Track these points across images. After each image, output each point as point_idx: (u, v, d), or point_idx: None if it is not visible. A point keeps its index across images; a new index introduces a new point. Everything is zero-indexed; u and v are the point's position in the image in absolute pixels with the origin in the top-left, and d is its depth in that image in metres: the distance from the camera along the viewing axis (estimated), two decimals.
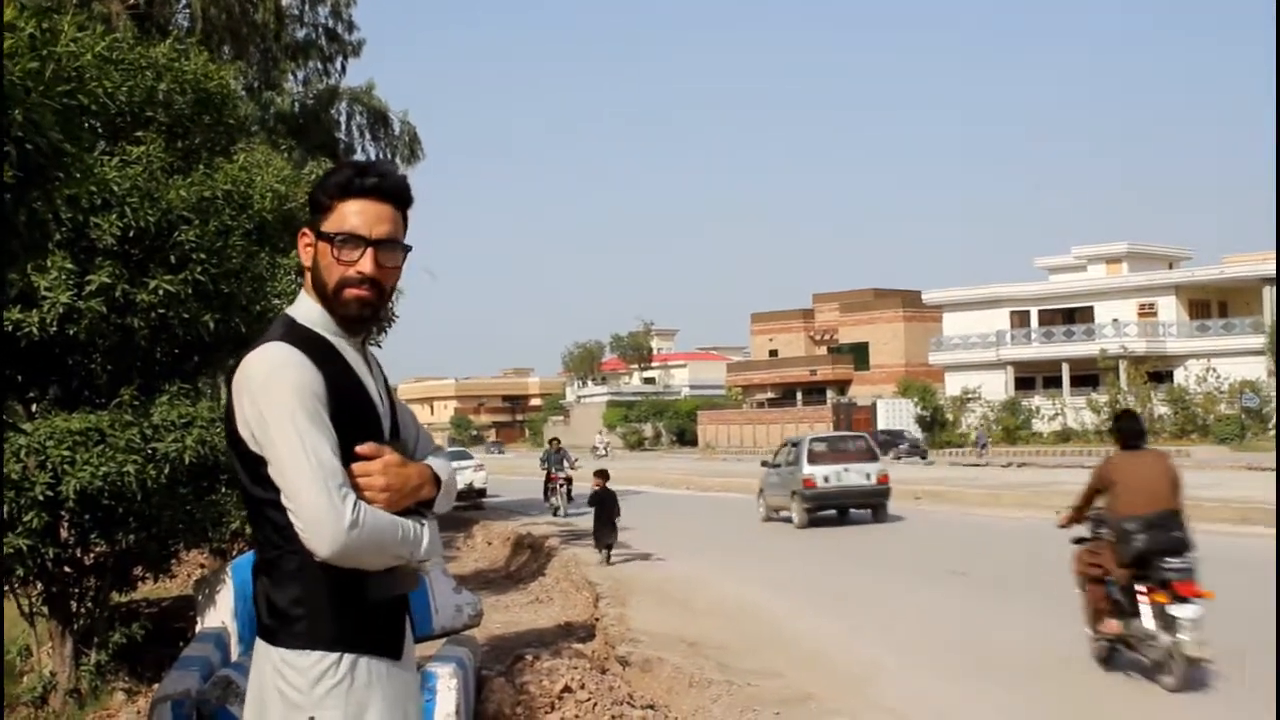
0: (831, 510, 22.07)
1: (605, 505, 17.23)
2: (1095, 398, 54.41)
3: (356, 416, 2.48)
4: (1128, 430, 8.44)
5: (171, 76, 8.56)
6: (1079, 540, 8.72)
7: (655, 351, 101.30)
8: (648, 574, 15.72)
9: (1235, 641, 9.10)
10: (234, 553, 10.52)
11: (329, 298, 2.51)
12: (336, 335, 2.53)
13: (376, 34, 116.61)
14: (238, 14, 20.59)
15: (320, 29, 25.29)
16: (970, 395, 60.07)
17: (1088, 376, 57.40)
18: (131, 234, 7.85)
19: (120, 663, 9.08)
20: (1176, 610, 7.68)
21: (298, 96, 24.68)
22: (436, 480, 2.56)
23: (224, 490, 8.50)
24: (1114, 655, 8.49)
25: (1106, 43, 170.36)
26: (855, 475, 21.50)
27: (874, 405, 64.44)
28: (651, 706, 7.31)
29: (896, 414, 61.97)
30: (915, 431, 56.44)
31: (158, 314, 7.95)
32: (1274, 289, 51.42)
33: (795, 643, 10.42)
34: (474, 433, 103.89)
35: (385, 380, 2.67)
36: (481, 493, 30.57)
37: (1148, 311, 58.32)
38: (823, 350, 79.27)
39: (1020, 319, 62.45)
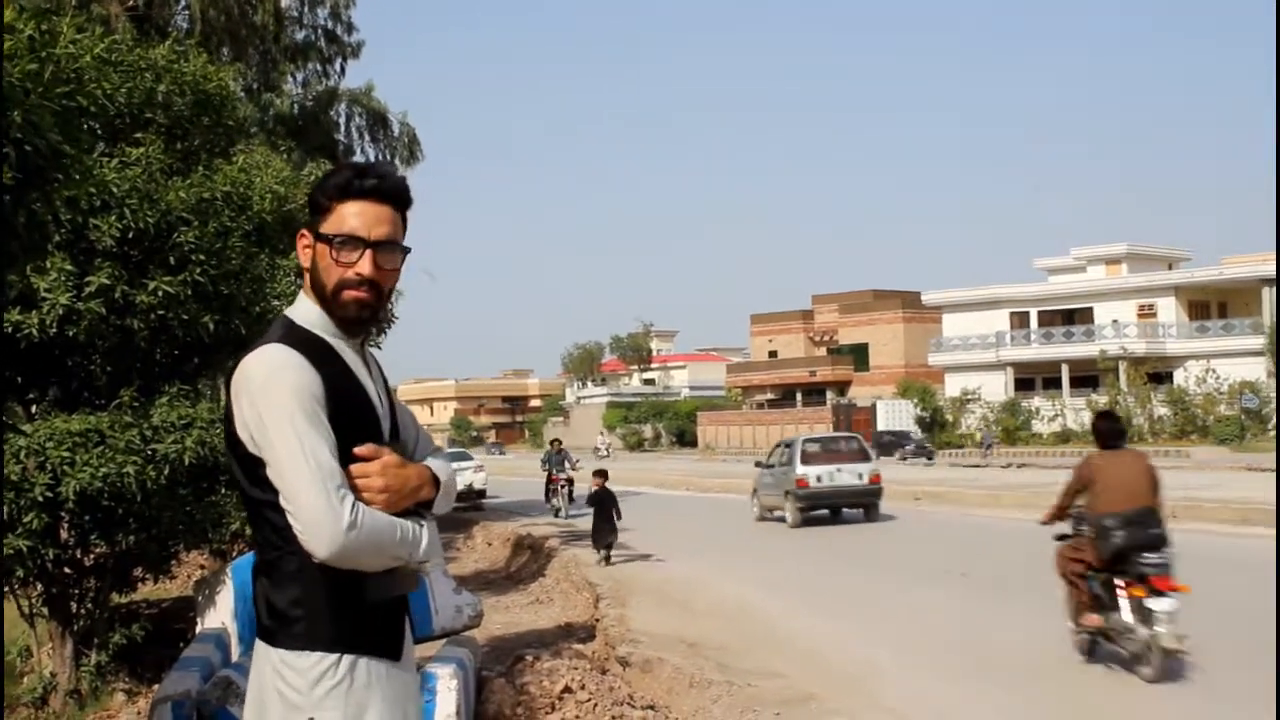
0: (824, 510, 22.34)
1: (604, 505, 17.29)
2: (1095, 399, 54.37)
3: (355, 418, 2.48)
4: (1107, 430, 8.68)
5: (171, 78, 8.57)
6: (1061, 537, 8.96)
7: (655, 353, 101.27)
8: (648, 575, 15.72)
9: (1235, 642, 9.16)
10: (234, 554, 10.53)
11: (328, 299, 2.51)
12: (335, 337, 2.53)
13: (376, 36, 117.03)
14: (237, 16, 20.60)
15: (319, 31, 25.30)
16: (970, 396, 60.07)
17: (1087, 377, 57.41)
18: (131, 235, 7.86)
19: (120, 663, 9.08)
20: (1153, 604, 7.92)
21: (297, 98, 24.68)
22: (436, 481, 2.56)
23: (224, 491, 8.51)
24: (1095, 648, 8.73)
25: (1106, 44, 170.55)
26: (848, 475, 21.82)
27: (874, 406, 64.44)
28: (652, 707, 7.31)
29: (896, 415, 61.97)
30: (915, 433, 56.38)
31: (157, 315, 7.96)
32: (1273, 290, 51.42)
33: (795, 643, 10.42)
34: (474, 434, 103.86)
35: (385, 381, 2.67)
36: (481, 494, 30.57)
37: (1147, 312, 58.32)
38: (822, 351, 79.28)
39: (1020, 320, 62.46)
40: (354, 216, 2.49)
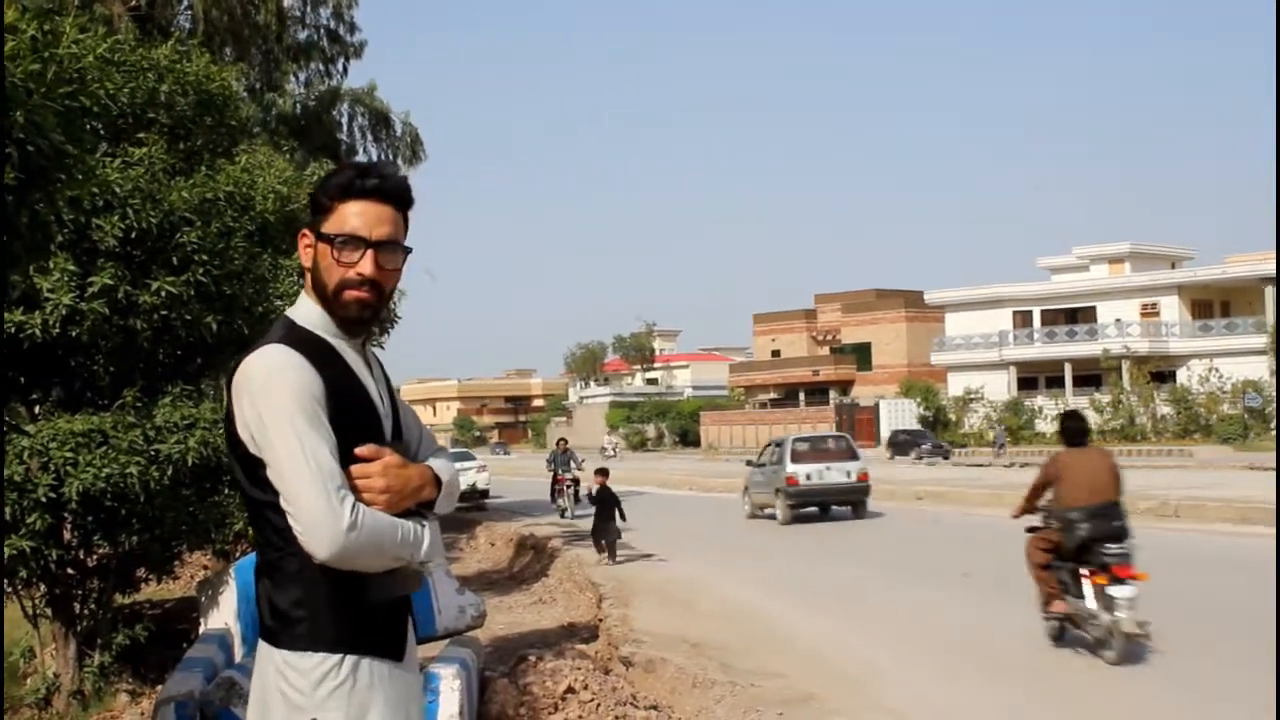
0: (814, 507, 22.93)
1: (605, 504, 17.34)
2: (1098, 398, 54.38)
3: (357, 418, 2.47)
4: (1072, 429, 9.32)
5: (173, 78, 8.57)
6: (1031, 529, 9.46)
7: (658, 352, 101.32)
8: (650, 574, 15.72)
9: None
10: (237, 554, 10.54)
11: (329, 299, 2.51)
12: (336, 337, 2.53)
13: (378, 36, 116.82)
14: (239, 16, 20.60)
15: (322, 30, 25.32)
16: (973, 395, 60.04)
17: (1090, 377, 57.37)
18: (133, 235, 7.86)
19: (124, 664, 9.09)
20: (1115, 591, 8.47)
21: (299, 98, 24.70)
22: (438, 481, 2.56)
23: (227, 492, 8.51)
24: (1063, 633, 9.24)
25: (1107, 44, 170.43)
26: (836, 473, 22.43)
27: (877, 406, 64.43)
28: (655, 707, 7.31)
29: (899, 414, 61.95)
30: (931, 432, 55.99)
31: (160, 315, 7.96)
32: (1276, 289, 51.36)
33: (796, 643, 10.41)
34: (476, 433, 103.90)
35: (387, 381, 2.67)
36: (484, 494, 30.57)
37: (1150, 311, 58.27)
38: (825, 351, 79.23)
39: (1023, 319, 62.41)
40: (356, 216, 2.49)
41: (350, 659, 2.41)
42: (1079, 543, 8.75)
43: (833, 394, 73.92)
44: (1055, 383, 59.38)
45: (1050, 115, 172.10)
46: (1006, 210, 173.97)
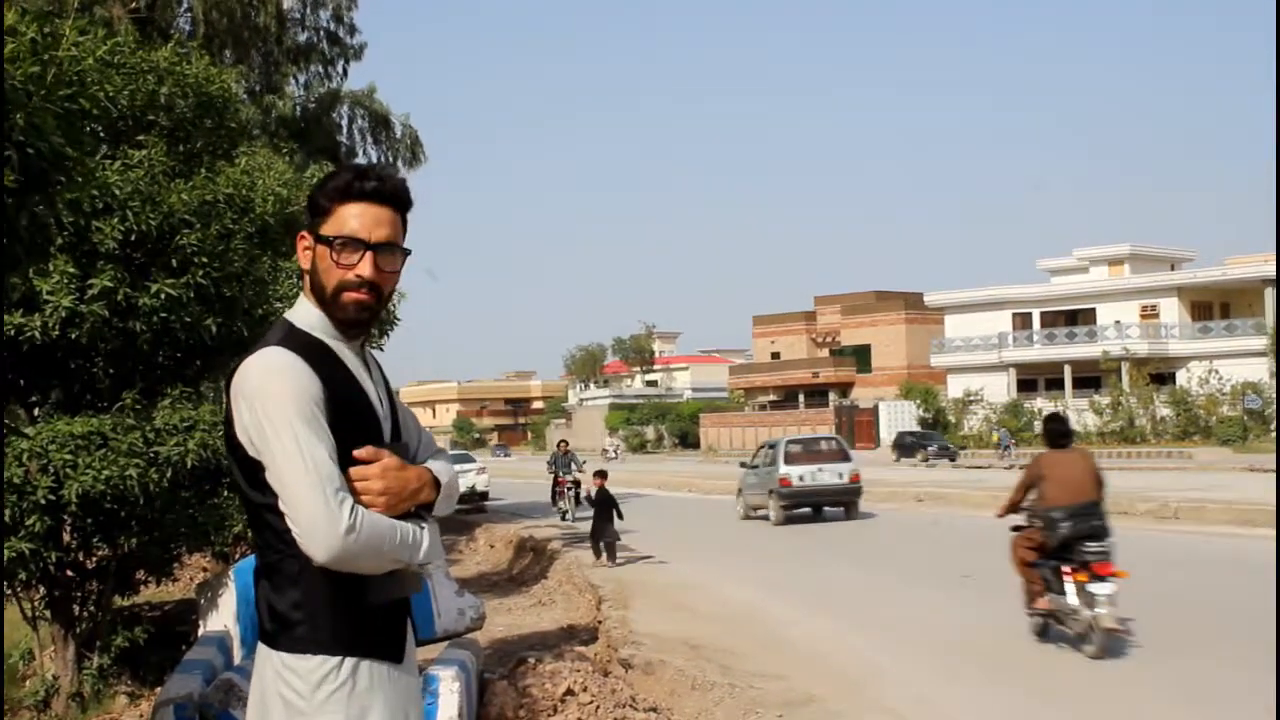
0: (806, 508, 23.26)
1: (604, 506, 17.36)
2: (1098, 400, 54.39)
3: (356, 421, 2.47)
4: (1055, 431, 9.58)
5: (173, 80, 8.57)
6: (1016, 528, 9.78)
7: (657, 354, 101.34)
8: (650, 576, 15.72)
9: (1236, 644, 9.18)
10: (236, 556, 10.55)
11: (327, 301, 2.51)
12: (335, 339, 2.53)
13: (378, 35, 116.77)
14: (239, 18, 20.62)
15: (321, 32, 25.33)
16: (972, 398, 60.03)
17: (1090, 378, 57.39)
18: (133, 238, 7.86)
19: (123, 666, 9.09)
20: (1095, 588, 8.80)
21: (299, 100, 24.70)
22: (436, 483, 2.56)
23: (226, 494, 8.51)
24: (1047, 629, 9.57)
25: (1108, 44, 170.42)
26: (828, 475, 22.76)
27: (876, 408, 64.44)
28: (654, 709, 7.31)
29: (898, 416, 61.96)
30: (938, 433, 55.77)
31: (160, 318, 7.96)
32: (1276, 290, 51.36)
33: (796, 644, 10.42)
34: (476, 435, 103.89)
35: (386, 383, 2.67)
36: (484, 496, 30.56)
37: (1150, 313, 58.28)
38: (825, 352, 79.24)
39: (1022, 321, 62.42)
40: (354, 218, 2.49)
41: (350, 661, 2.41)
42: (1061, 541, 9.04)
43: (832, 396, 73.93)
44: (1055, 384, 59.38)
45: (1051, 115, 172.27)
46: (1006, 212, 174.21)
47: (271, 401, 2.36)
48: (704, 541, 20.62)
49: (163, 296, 7.85)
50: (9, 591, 8.26)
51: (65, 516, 7.75)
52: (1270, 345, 50.58)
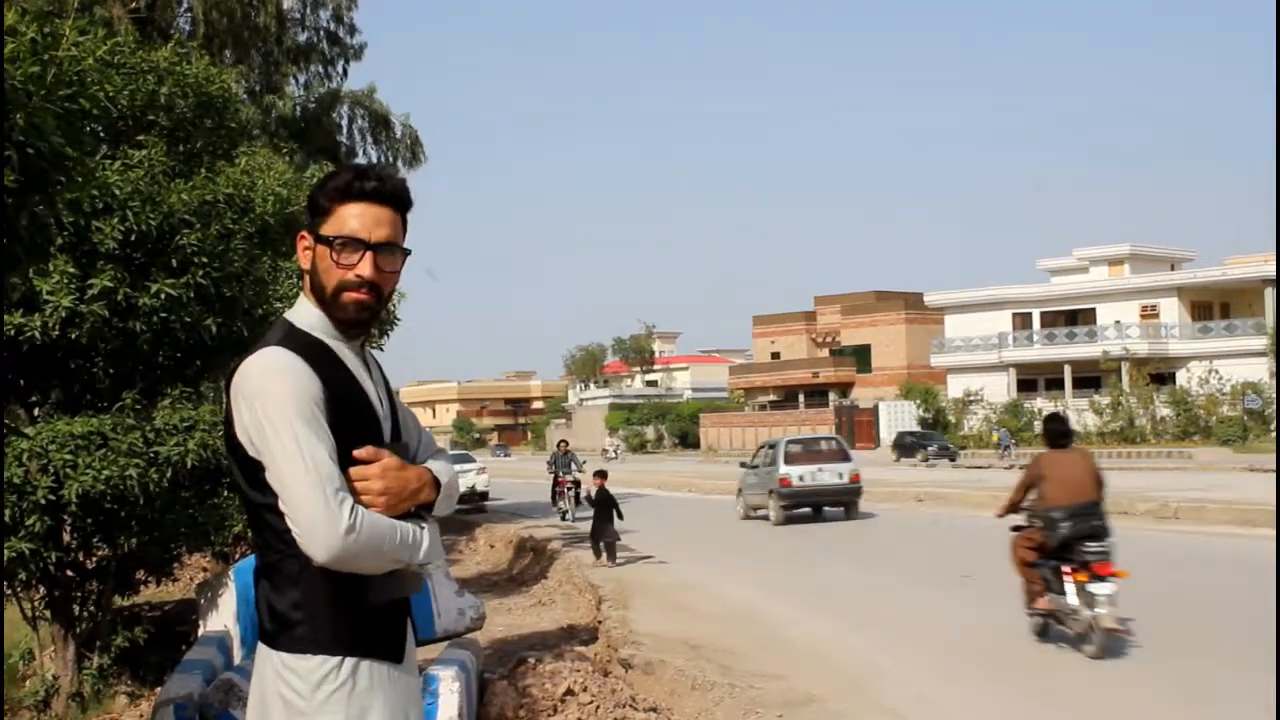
0: (806, 508, 23.33)
1: (604, 506, 17.38)
2: (1098, 400, 54.38)
3: (356, 421, 2.47)
4: (1055, 431, 9.62)
5: (173, 80, 8.57)
6: (1016, 528, 9.80)
7: (657, 354, 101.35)
8: (650, 576, 15.73)
9: (1236, 644, 9.18)
10: (236, 556, 10.55)
11: (327, 301, 2.51)
12: (335, 339, 2.53)
13: (378, 35, 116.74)
14: (239, 18, 20.62)
15: (322, 32, 25.33)
16: (972, 398, 60.03)
17: (1090, 378, 57.39)
18: (133, 238, 7.86)
19: (123, 666, 9.09)
20: (1095, 588, 8.82)
21: (299, 100, 24.70)
22: (436, 483, 2.56)
23: (226, 494, 8.51)
24: (1047, 629, 9.60)
25: (1107, 44, 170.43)
26: (828, 475, 22.83)
27: (876, 408, 64.44)
28: (654, 709, 7.31)
29: (899, 416, 61.96)
30: (938, 433, 55.66)
31: (160, 318, 7.96)
32: (1276, 290, 51.37)
33: (796, 644, 10.42)
34: (476, 435, 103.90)
35: (386, 383, 2.67)
36: (484, 495, 30.55)
37: (1150, 313, 58.28)
38: (825, 353, 79.25)
39: (1022, 321, 62.42)
40: (354, 218, 2.49)
41: (350, 661, 2.41)
42: (1060, 541, 9.08)
43: (832, 396, 73.94)
44: (1055, 384, 59.38)
45: (1051, 115, 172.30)
46: (1006, 212, 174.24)
47: (271, 401, 2.36)
48: (704, 541, 20.63)
49: (163, 296, 7.85)
50: (9, 591, 8.26)
51: (65, 516, 7.76)
52: (1270, 345, 50.58)
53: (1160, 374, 55.31)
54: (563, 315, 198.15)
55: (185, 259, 8.09)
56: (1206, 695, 7.91)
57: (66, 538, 8.22)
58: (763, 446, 25.34)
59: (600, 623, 11.75)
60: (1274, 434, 44.45)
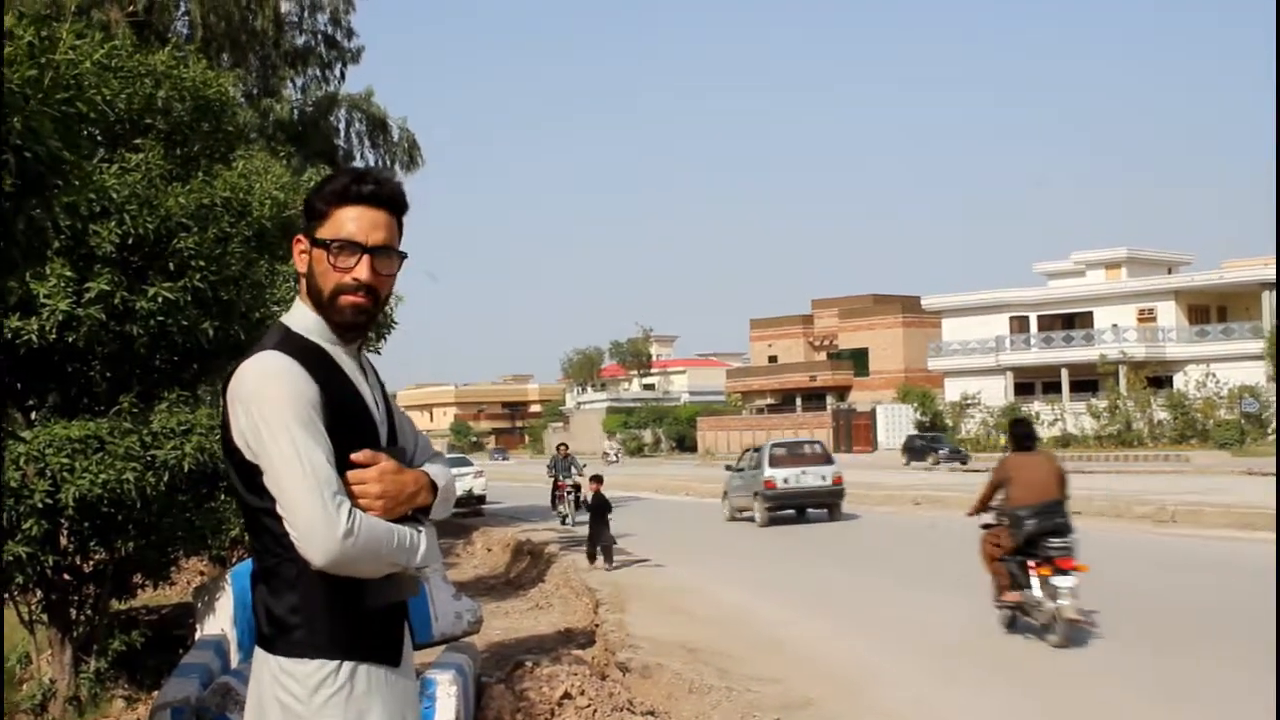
0: (790, 510, 23.86)
1: (600, 509, 17.40)
2: (1095, 403, 54.39)
3: (352, 424, 2.47)
4: (1021, 434, 10.27)
5: (170, 84, 8.58)
6: (985, 527, 10.36)
7: (654, 358, 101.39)
8: (647, 579, 15.71)
9: (1236, 644, 9.20)
10: (233, 560, 10.54)
11: (324, 304, 2.51)
12: (332, 343, 2.53)
13: (375, 39, 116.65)
14: (237, 21, 20.63)
15: (319, 36, 25.35)
16: (970, 401, 60.05)
17: (1087, 382, 57.39)
18: (130, 241, 7.87)
19: (120, 670, 9.09)
20: (1058, 581, 9.37)
21: (297, 103, 24.71)
22: (433, 486, 2.56)
23: (223, 498, 8.51)
24: (1015, 621, 10.09)
25: (1109, 39, 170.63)
26: (812, 477, 23.42)
27: (874, 411, 64.45)
28: (652, 713, 7.31)
29: (896, 420, 61.97)
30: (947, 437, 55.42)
31: (157, 321, 7.96)
32: (1273, 294, 51.42)
33: (794, 647, 10.41)
34: (474, 439, 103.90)
35: (382, 387, 2.67)
36: (481, 499, 30.53)
37: (1147, 317, 58.33)
38: (822, 356, 79.26)
39: (1020, 324, 62.46)
40: (351, 221, 2.49)
41: (347, 665, 2.41)
42: (1026, 537, 9.60)
43: (830, 399, 73.96)
44: (1052, 388, 59.42)
45: (1050, 118, 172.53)
46: (1006, 210, 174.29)
47: (268, 405, 2.36)
48: (701, 545, 20.63)
49: (160, 300, 7.85)
50: (6, 595, 8.26)
51: (62, 520, 7.75)
52: (1268, 349, 50.61)
53: (1157, 377, 55.34)
54: (560, 318, 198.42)
55: (182, 262, 8.10)
56: (1205, 694, 7.92)
57: (64, 541, 8.21)
58: (748, 450, 26.03)
59: (597, 626, 11.75)
60: (1271, 437, 44.50)
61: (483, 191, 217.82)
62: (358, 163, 24.79)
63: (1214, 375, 52.11)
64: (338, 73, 25.49)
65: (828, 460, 24.20)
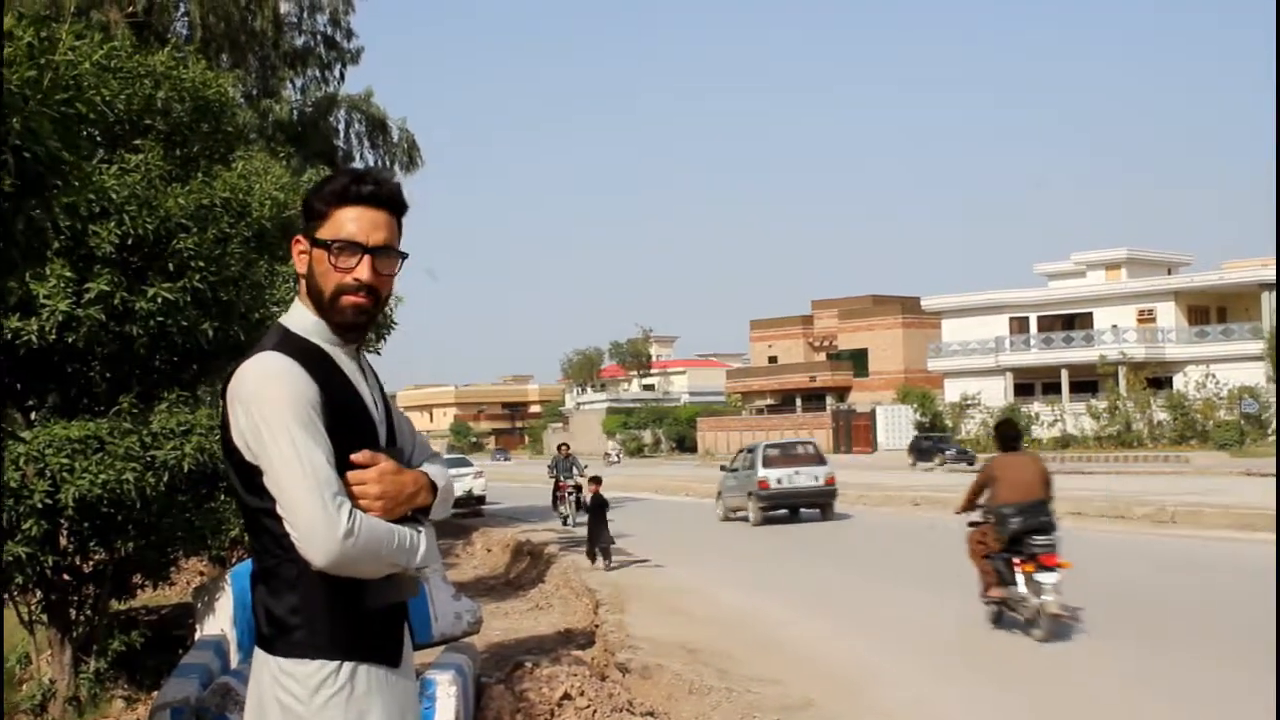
0: (784, 510, 24.15)
1: (599, 510, 17.42)
2: (1095, 404, 54.39)
3: (352, 425, 2.48)
4: (1006, 435, 10.61)
5: (170, 85, 8.59)
6: (972, 525, 10.62)
7: (654, 358, 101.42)
8: (646, 580, 15.71)
9: (1237, 644, 9.20)
10: (233, 560, 10.54)
11: (325, 305, 2.51)
12: (331, 343, 2.53)
13: (374, 39, 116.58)
14: (236, 22, 20.63)
15: (318, 37, 25.36)
16: (970, 402, 60.03)
17: (1087, 383, 57.39)
18: (130, 242, 7.87)
19: (119, 670, 9.09)
20: (1042, 577, 9.63)
21: (296, 104, 24.72)
22: (433, 487, 2.56)
23: (223, 498, 8.52)
24: (1001, 616, 10.34)
25: (1109, 40, 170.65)
26: (805, 477, 23.73)
27: (873, 412, 64.45)
28: (651, 714, 7.31)
29: (896, 421, 61.97)
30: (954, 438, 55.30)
31: (156, 322, 7.96)
32: (1273, 294, 51.43)
33: (794, 647, 10.42)
34: (474, 439, 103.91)
35: (381, 387, 2.67)
36: (481, 500, 30.52)
37: (1147, 318, 58.33)
38: (822, 357, 79.27)
39: (1019, 325, 62.46)
40: (351, 222, 2.49)
41: (347, 666, 2.41)
42: (1011, 535, 9.88)
43: (829, 400, 73.98)
44: (1052, 389, 59.42)
45: (1050, 118, 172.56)
46: (1006, 211, 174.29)
47: (268, 406, 2.36)
48: (700, 545, 20.64)
49: (159, 300, 7.86)
50: (6, 595, 8.26)
51: (62, 520, 7.76)
52: (1267, 349, 50.61)
53: (1157, 378, 55.34)
54: (560, 319, 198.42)
55: (182, 263, 8.10)
56: (1204, 694, 7.93)
57: (63, 542, 8.22)
58: (741, 451, 26.28)
59: (597, 627, 11.75)
60: (1271, 438, 44.50)
61: (482, 192, 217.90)
62: (357, 163, 24.80)
63: (1214, 376, 52.09)
64: (337, 73, 25.53)
65: (820, 461, 24.48)
